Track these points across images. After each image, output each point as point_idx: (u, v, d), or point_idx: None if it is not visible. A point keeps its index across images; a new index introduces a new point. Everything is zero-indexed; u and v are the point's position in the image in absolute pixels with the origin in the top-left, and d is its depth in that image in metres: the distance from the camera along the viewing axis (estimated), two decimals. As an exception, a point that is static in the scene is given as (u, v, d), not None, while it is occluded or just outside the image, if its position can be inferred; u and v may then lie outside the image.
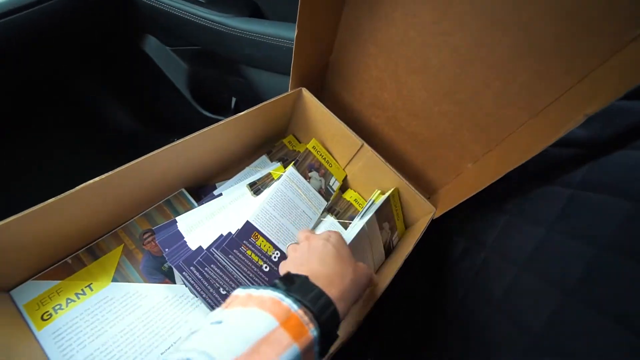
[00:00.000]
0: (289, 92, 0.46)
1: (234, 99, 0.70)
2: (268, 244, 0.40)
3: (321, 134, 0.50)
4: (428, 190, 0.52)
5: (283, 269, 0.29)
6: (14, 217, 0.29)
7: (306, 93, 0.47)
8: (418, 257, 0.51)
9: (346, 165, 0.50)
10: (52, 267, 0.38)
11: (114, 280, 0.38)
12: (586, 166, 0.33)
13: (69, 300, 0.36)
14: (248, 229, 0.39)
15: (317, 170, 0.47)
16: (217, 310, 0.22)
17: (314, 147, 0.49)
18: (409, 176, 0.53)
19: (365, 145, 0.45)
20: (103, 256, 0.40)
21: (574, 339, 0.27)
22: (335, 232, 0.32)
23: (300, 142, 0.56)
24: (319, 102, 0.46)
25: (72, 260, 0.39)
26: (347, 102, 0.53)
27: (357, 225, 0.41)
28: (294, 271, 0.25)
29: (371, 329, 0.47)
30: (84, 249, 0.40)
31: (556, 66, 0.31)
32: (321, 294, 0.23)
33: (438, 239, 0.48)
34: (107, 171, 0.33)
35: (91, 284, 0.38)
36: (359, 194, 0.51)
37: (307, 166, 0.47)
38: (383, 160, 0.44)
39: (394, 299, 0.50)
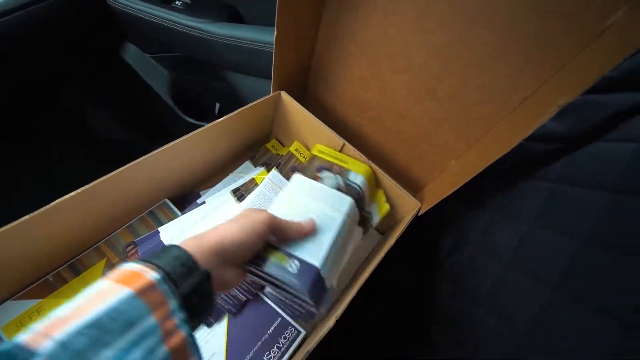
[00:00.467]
0: (268, 95, 0.45)
1: (217, 105, 0.69)
2: (280, 254, 0.32)
3: (303, 136, 0.50)
4: (414, 188, 0.52)
5: None
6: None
7: (285, 96, 0.46)
8: (405, 251, 0.51)
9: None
10: (32, 286, 0.37)
11: (97, 295, 0.37)
12: (563, 160, 0.34)
13: (49, 319, 0.35)
14: None
15: (329, 169, 0.44)
16: None
17: (320, 152, 0.46)
18: (395, 175, 0.53)
19: (347, 144, 0.44)
20: (85, 271, 0.40)
21: (562, 334, 0.27)
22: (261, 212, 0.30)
23: (283, 146, 0.55)
24: (299, 104, 0.46)
25: (53, 277, 0.38)
26: (330, 104, 0.53)
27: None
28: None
29: (359, 325, 0.47)
30: (65, 265, 0.39)
31: (533, 61, 0.31)
32: (171, 247, 0.23)
33: (426, 234, 0.49)
34: (92, 181, 0.32)
35: (73, 300, 0.37)
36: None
37: (315, 169, 0.44)
38: (365, 158, 0.44)
39: (382, 293, 0.50)
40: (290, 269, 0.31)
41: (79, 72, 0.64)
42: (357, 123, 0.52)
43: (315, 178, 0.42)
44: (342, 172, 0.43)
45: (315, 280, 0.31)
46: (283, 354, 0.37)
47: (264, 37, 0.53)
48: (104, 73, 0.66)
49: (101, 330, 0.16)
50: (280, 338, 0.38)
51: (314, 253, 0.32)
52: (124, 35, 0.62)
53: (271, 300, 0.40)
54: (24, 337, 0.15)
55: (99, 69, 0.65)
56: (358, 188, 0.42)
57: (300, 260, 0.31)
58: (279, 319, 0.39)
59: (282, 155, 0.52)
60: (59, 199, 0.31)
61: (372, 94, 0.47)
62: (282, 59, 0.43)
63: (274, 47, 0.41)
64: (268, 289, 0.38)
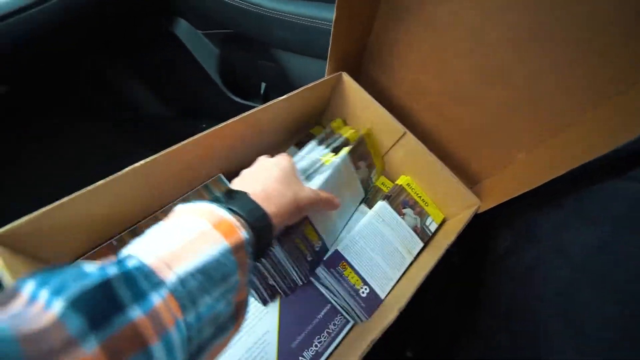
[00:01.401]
0: (328, 76, 0.44)
1: (263, 85, 0.69)
2: (357, 277, 0.38)
3: (359, 122, 0.48)
4: (472, 180, 0.49)
5: (232, 185, 0.31)
6: (67, 198, 0.29)
7: (346, 78, 0.45)
8: (457, 249, 0.49)
9: (386, 154, 0.48)
10: (98, 248, 0.39)
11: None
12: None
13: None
14: (337, 258, 0.38)
15: (412, 207, 0.45)
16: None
17: (407, 184, 0.47)
18: (452, 165, 0.50)
19: (408, 132, 0.42)
20: (145, 238, 0.41)
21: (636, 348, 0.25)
22: (286, 157, 0.33)
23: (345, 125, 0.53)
24: (361, 88, 0.44)
25: (116, 241, 0.40)
26: (385, 87, 0.50)
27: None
28: (237, 188, 0.27)
29: (410, 322, 0.46)
30: (127, 230, 0.41)
31: (631, 49, 0.27)
32: (257, 208, 0.25)
33: (480, 232, 0.46)
34: (141, 156, 0.33)
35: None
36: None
37: (401, 202, 0.45)
38: (426, 149, 0.42)
39: (432, 291, 0.48)
40: (361, 293, 0.37)
41: (129, 47, 0.65)
42: (413, 109, 0.49)
43: (400, 212, 0.44)
44: (421, 214, 0.46)
45: (377, 307, 0.38)
46: (333, 339, 0.37)
47: (320, 13, 0.51)
48: (155, 48, 0.67)
49: (207, 277, 0.18)
50: (330, 324, 0.38)
51: (383, 285, 0.39)
52: (176, 11, 0.62)
53: (322, 286, 0.40)
54: (149, 260, 0.16)
55: (151, 44, 0.66)
56: (430, 234, 0.45)
57: (371, 289, 0.38)
58: (329, 305, 0.39)
59: (340, 134, 0.51)
60: (120, 172, 0.32)
61: (433, 79, 0.44)
62: (340, 38, 0.41)
63: (332, 23, 0.39)
64: (322, 274, 0.38)
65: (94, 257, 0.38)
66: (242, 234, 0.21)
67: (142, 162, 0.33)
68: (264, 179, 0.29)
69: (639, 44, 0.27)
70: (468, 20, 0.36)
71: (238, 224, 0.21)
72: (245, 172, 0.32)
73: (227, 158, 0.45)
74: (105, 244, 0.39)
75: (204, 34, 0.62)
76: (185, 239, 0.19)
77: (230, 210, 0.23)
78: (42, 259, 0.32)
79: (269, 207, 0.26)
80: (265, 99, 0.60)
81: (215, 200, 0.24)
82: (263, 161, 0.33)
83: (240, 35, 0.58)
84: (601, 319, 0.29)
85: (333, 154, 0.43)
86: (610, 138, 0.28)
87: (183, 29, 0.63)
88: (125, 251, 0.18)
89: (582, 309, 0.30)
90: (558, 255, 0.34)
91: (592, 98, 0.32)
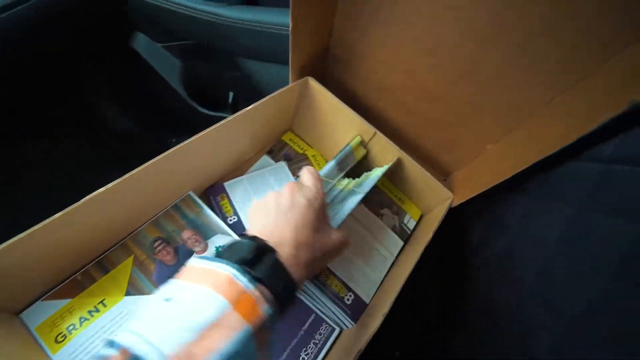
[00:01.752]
0: (295, 82, 0.43)
1: (231, 94, 0.67)
2: (340, 285, 0.38)
3: (329, 125, 0.48)
4: (443, 173, 0.50)
5: (252, 219, 0.27)
6: (17, 238, 0.27)
7: (313, 82, 0.44)
8: (435, 244, 0.49)
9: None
10: (61, 285, 0.36)
11: (128, 293, 0.37)
12: (617, 139, 0.31)
13: (82, 319, 0.34)
14: None
15: (389, 207, 0.45)
16: (171, 281, 0.21)
17: (383, 184, 0.46)
18: (422, 159, 0.51)
19: (378, 132, 0.42)
20: (113, 269, 0.39)
21: (622, 325, 0.25)
22: (318, 191, 0.29)
23: (302, 140, 0.54)
24: (328, 91, 0.43)
25: (81, 276, 0.37)
26: (352, 88, 0.50)
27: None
28: (263, 234, 0.24)
29: (396, 322, 0.46)
30: (92, 263, 0.38)
31: (597, 36, 0.28)
32: (286, 275, 0.22)
33: (454, 224, 0.47)
34: (107, 176, 0.31)
35: (104, 299, 0.36)
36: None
37: (378, 203, 0.44)
38: (396, 147, 0.42)
39: (415, 289, 0.49)
40: (346, 300, 0.37)
41: (88, 64, 0.62)
42: (381, 107, 0.50)
43: (377, 213, 0.44)
44: (399, 212, 0.46)
45: (363, 312, 0.37)
46: (320, 349, 0.36)
47: (281, 19, 0.50)
48: (114, 64, 0.64)
49: None
50: (316, 334, 0.37)
51: (367, 289, 0.39)
52: (133, 24, 0.60)
53: (306, 296, 0.39)
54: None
55: (109, 60, 0.63)
56: (409, 232, 0.45)
57: (356, 295, 0.38)
58: (313, 315, 0.38)
59: (302, 152, 0.52)
60: (83, 199, 0.30)
61: (398, 77, 0.44)
62: (299, 42, 0.41)
63: (290, 29, 0.38)
64: (304, 285, 0.37)
65: (57, 296, 0.35)
66: (265, 311, 0.19)
67: (104, 188, 0.31)
68: (296, 224, 0.25)
69: (594, 35, 0.28)
70: (427, 17, 0.36)
71: (261, 298, 0.20)
72: (271, 203, 0.27)
73: (197, 174, 0.43)
74: (69, 279, 0.37)
75: (163, 46, 0.60)
76: (202, 326, 0.17)
77: (254, 279, 0.20)
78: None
79: (298, 271, 0.23)
80: (235, 108, 0.59)
81: (236, 257, 0.21)
82: (295, 195, 0.27)
83: (201, 45, 0.56)
84: (577, 299, 0.29)
85: (350, 179, 0.41)
86: (573, 127, 0.29)
87: (142, 43, 0.61)
88: (136, 341, 0.16)
89: (558, 291, 0.31)
90: (528, 240, 0.35)
91: (553, 88, 0.33)
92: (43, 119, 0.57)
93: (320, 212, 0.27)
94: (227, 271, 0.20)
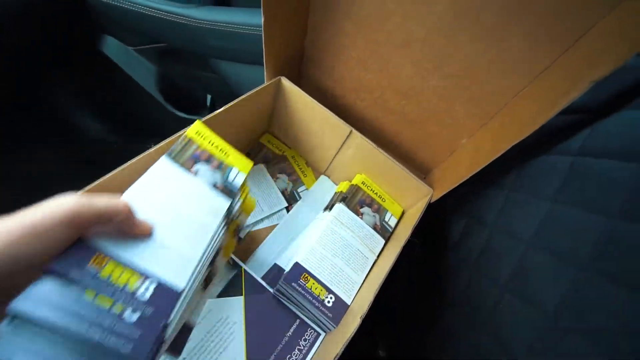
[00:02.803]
0: (266, 83, 0.42)
1: (209, 96, 0.66)
2: (320, 287, 0.37)
3: (306, 125, 0.47)
4: (422, 170, 0.50)
5: None
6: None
7: (286, 82, 0.43)
8: (418, 240, 0.49)
9: (335, 155, 0.47)
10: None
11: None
12: (585, 131, 0.32)
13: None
14: (297, 271, 0.37)
15: (370, 205, 0.44)
16: None
17: (362, 183, 0.46)
18: (402, 157, 0.51)
19: (354, 131, 0.42)
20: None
21: (592, 315, 0.26)
22: None
23: (280, 141, 0.53)
24: (301, 91, 0.43)
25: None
26: (328, 88, 0.50)
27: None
28: None
29: (379, 321, 0.46)
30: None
31: (551, 26, 0.29)
32: None
33: (436, 221, 0.47)
34: (82, 185, 0.30)
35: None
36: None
37: (358, 202, 0.44)
38: (373, 145, 0.42)
39: (397, 286, 0.49)
40: (327, 303, 0.36)
41: (58, 71, 0.60)
42: (358, 105, 0.49)
43: (357, 212, 0.43)
44: (380, 210, 0.45)
45: (344, 313, 0.37)
46: (305, 356, 0.36)
47: (254, 19, 0.49)
48: (85, 70, 0.62)
49: None
50: (301, 340, 0.36)
51: (349, 290, 0.38)
52: (103, 28, 0.58)
53: (288, 301, 0.39)
54: None
55: (80, 66, 0.61)
56: (390, 230, 0.45)
57: (337, 296, 0.37)
58: (298, 321, 0.38)
59: (280, 154, 0.51)
60: None
61: (373, 75, 0.44)
62: (273, 43, 0.40)
63: (262, 29, 0.37)
64: (284, 289, 0.37)
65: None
66: None
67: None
68: None
69: (556, 23, 0.28)
70: (396, 13, 0.36)
71: None
72: None
73: None
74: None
75: (135, 50, 0.58)
76: None
77: None
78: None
79: None
80: (213, 111, 0.58)
81: None
82: None
83: (174, 48, 0.55)
84: (552, 295, 0.29)
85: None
86: (540, 113, 0.29)
87: (113, 47, 0.59)
88: None
89: (534, 287, 0.31)
90: (505, 236, 0.35)
91: (522, 77, 0.33)
92: (12, 131, 0.55)
93: None
94: None
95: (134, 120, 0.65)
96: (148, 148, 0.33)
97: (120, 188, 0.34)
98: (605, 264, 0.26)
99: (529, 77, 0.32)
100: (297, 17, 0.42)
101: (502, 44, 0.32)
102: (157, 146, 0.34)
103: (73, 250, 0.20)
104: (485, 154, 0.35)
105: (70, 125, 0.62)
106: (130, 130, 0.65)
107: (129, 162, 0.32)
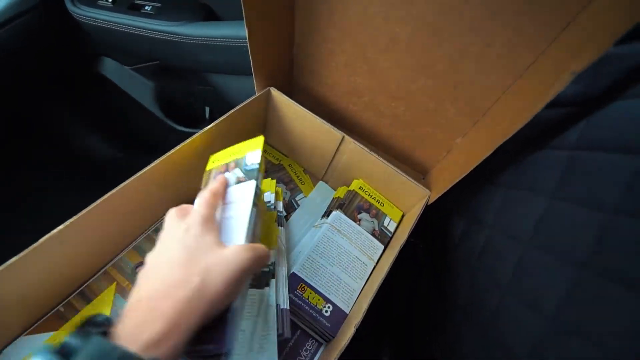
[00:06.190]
0: (256, 95, 0.43)
1: (207, 109, 0.67)
2: (318, 297, 0.37)
3: (299, 133, 0.47)
4: (420, 171, 0.49)
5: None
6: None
7: (275, 92, 0.44)
8: (422, 243, 0.49)
9: (331, 161, 0.47)
10: (43, 319, 0.36)
11: (110, 322, 0.37)
12: (581, 124, 0.31)
13: (66, 352, 0.34)
14: (294, 281, 0.37)
15: (367, 211, 0.44)
16: None
17: (360, 188, 0.46)
18: (398, 160, 0.50)
19: (346, 137, 0.42)
20: (96, 298, 0.39)
21: (591, 316, 0.25)
22: (197, 210, 0.26)
23: (274, 149, 0.54)
24: (290, 100, 0.43)
25: (64, 307, 0.38)
26: (320, 95, 0.50)
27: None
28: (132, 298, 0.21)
29: (383, 327, 0.46)
30: (75, 293, 0.39)
31: (533, 21, 0.28)
32: (112, 350, 0.17)
33: (438, 222, 0.46)
34: (88, 204, 0.31)
35: (86, 330, 0.36)
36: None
37: (355, 208, 0.44)
38: (366, 149, 0.42)
39: (402, 291, 0.48)
40: (324, 312, 0.36)
41: (58, 93, 0.62)
42: (351, 110, 0.49)
43: (355, 218, 0.43)
44: (378, 215, 0.45)
45: (343, 322, 0.36)
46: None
47: (240, 32, 0.50)
48: (84, 91, 0.64)
49: None
50: (302, 351, 0.37)
51: (347, 299, 0.38)
52: (99, 51, 0.60)
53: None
54: None
55: (79, 87, 0.63)
56: (390, 235, 0.44)
57: (335, 306, 0.37)
58: (298, 332, 0.38)
59: (276, 163, 0.52)
60: (59, 227, 0.30)
61: (362, 79, 0.44)
62: (259, 54, 0.41)
63: (247, 41, 0.38)
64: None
65: (39, 330, 0.36)
66: None
67: (77, 215, 0.31)
68: (155, 276, 0.22)
69: (540, 14, 0.28)
70: (378, 16, 0.35)
71: None
72: (149, 257, 0.25)
73: (176, 191, 0.43)
74: (51, 312, 0.37)
75: (132, 69, 0.60)
76: None
77: None
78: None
79: (143, 334, 0.19)
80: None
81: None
82: (169, 230, 0.26)
83: (168, 65, 0.56)
84: (552, 293, 0.29)
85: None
86: (529, 108, 0.29)
87: (110, 67, 0.61)
88: None
89: (534, 287, 0.30)
90: (504, 235, 0.34)
91: (509, 73, 0.32)
92: (18, 154, 0.58)
93: (195, 236, 0.24)
94: None
95: (138, 137, 0.67)
96: (151, 162, 0.34)
97: (129, 200, 0.35)
98: (604, 261, 0.26)
99: (516, 72, 0.32)
100: (281, 28, 0.42)
101: (487, 38, 0.31)
102: (160, 159, 0.35)
103: None
104: (479, 152, 0.35)
105: (76, 146, 0.64)
106: (134, 147, 0.67)
107: (135, 176, 0.34)
